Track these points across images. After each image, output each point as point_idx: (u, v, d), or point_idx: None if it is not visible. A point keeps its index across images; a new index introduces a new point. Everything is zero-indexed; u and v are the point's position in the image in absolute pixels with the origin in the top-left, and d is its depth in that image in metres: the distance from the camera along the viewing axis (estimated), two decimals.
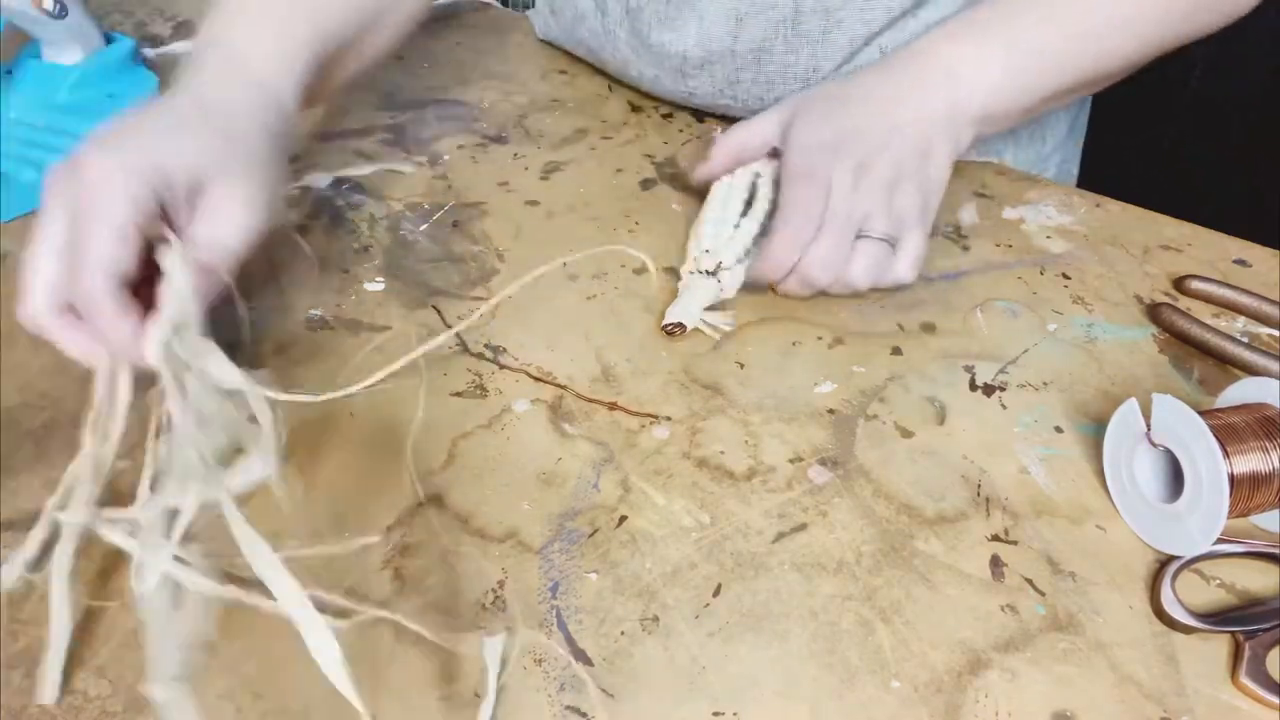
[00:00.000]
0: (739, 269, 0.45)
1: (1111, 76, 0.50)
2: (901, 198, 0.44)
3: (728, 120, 0.60)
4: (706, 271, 0.45)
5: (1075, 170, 0.66)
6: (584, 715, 0.30)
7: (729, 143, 0.50)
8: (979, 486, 0.38)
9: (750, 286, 0.46)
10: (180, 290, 0.36)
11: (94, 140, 0.37)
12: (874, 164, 0.44)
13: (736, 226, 0.46)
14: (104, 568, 0.34)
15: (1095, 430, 0.40)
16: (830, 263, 0.43)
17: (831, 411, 0.41)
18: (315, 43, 0.46)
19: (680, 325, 0.44)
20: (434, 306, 0.46)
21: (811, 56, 0.54)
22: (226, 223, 0.38)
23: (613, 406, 0.41)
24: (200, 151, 0.38)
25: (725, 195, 0.48)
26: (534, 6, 0.68)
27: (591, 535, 0.36)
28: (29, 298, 0.35)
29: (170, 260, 0.36)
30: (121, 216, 0.35)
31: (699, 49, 0.55)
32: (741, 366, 0.43)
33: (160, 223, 0.37)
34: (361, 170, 0.54)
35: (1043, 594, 0.34)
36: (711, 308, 0.45)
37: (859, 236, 0.44)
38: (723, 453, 0.39)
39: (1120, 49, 0.48)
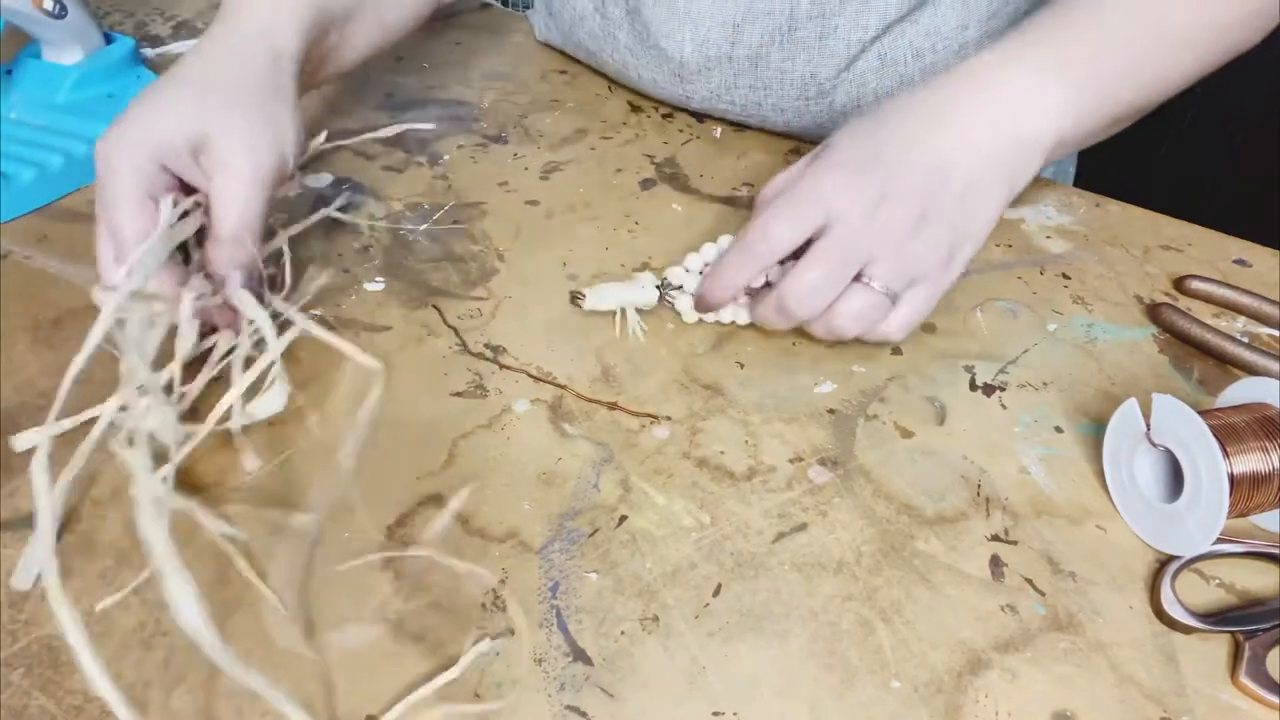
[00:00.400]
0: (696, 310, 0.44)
1: (1161, 100, 0.46)
2: (921, 244, 0.39)
3: (727, 122, 0.60)
4: (665, 282, 0.45)
5: (1073, 169, 0.66)
6: (584, 715, 0.30)
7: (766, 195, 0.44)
8: (979, 486, 0.38)
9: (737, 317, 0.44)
10: (163, 233, 0.39)
11: (110, 125, 0.40)
12: (898, 198, 0.38)
13: None
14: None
15: (1095, 430, 0.40)
16: (812, 298, 0.39)
17: (831, 411, 0.41)
18: (318, 8, 0.47)
19: (582, 296, 0.44)
20: (434, 306, 0.46)
21: (808, 63, 0.54)
22: (234, 173, 0.40)
23: (613, 406, 0.41)
24: (196, 113, 0.40)
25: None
26: (534, 7, 0.68)
27: (591, 535, 0.36)
28: (106, 279, 0.40)
29: (163, 208, 0.40)
30: (129, 189, 0.39)
31: (696, 55, 0.55)
32: (741, 366, 0.43)
33: (173, 183, 0.40)
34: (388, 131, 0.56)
35: (1043, 594, 0.34)
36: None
37: (857, 279, 0.39)
38: (723, 453, 0.39)
39: (1182, 64, 0.44)
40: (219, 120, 0.40)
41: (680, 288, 0.45)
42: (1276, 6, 0.44)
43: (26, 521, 0.35)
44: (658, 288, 0.45)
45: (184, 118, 0.40)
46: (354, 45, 0.52)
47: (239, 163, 0.40)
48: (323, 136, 0.55)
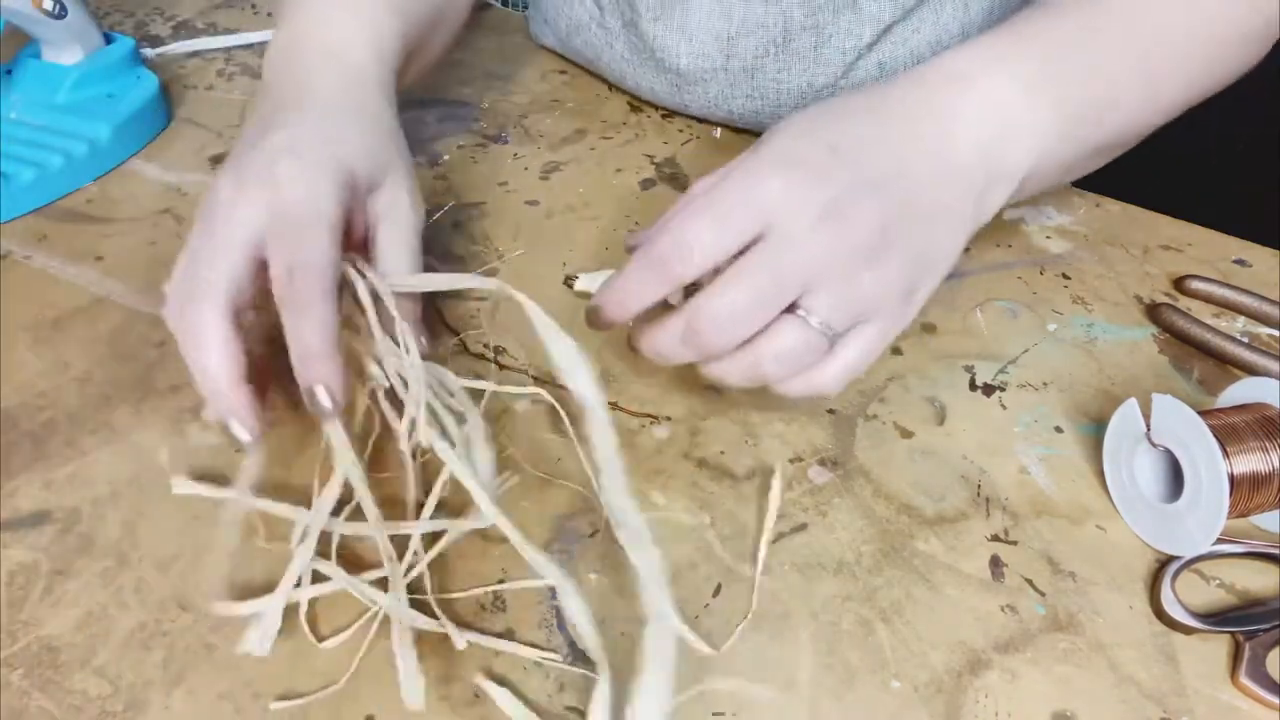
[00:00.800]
0: None
1: (1148, 129, 0.42)
2: (878, 272, 0.32)
3: (727, 125, 0.60)
4: None
5: None
6: (584, 715, 0.30)
7: None
8: (979, 486, 0.38)
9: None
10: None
11: (281, 153, 0.34)
12: (854, 211, 0.32)
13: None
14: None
15: (1095, 430, 0.40)
16: (731, 326, 0.32)
17: (831, 411, 0.41)
18: (404, 34, 0.45)
19: (575, 278, 0.45)
20: (434, 307, 0.46)
21: (804, 73, 0.54)
22: (405, 214, 0.38)
23: (613, 406, 0.41)
24: (374, 146, 0.37)
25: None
26: (530, 10, 0.68)
27: (591, 536, 0.36)
28: (206, 306, 0.32)
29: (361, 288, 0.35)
30: (337, 218, 0.34)
31: (691, 66, 0.55)
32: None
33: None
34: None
35: (1043, 594, 0.34)
36: None
37: (790, 309, 0.32)
38: (722, 453, 0.39)
39: (1172, 89, 0.40)
40: (390, 160, 0.38)
41: None
42: (1277, 24, 0.41)
43: (26, 521, 0.35)
44: None
45: (362, 152, 0.36)
46: (412, 75, 0.51)
47: (410, 206, 0.38)
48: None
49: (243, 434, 0.32)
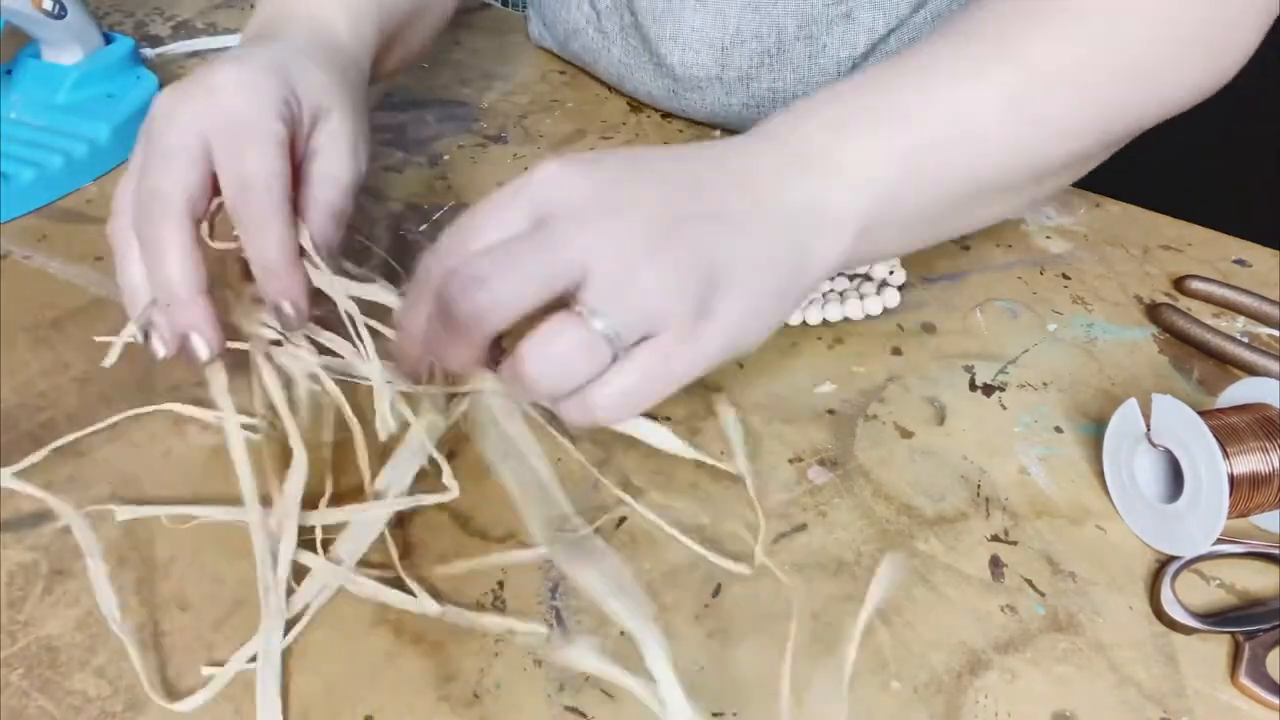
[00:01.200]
0: None
1: (1064, 161, 0.37)
2: (657, 270, 0.28)
3: (727, 130, 0.60)
4: None
5: None
6: (584, 715, 0.30)
7: None
8: (979, 487, 0.38)
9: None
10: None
11: (223, 61, 0.34)
12: (635, 197, 0.29)
13: None
14: None
15: (1095, 430, 0.40)
16: (491, 310, 0.28)
17: (831, 411, 0.41)
18: (381, 22, 0.45)
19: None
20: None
21: (799, 82, 0.54)
22: (343, 152, 0.37)
23: None
24: (326, 83, 0.37)
25: None
26: (528, 11, 0.68)
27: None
28: (162, 205, 0.32)
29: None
30: (279, 128, 0.33)
31: (687, 75, 0.55)
32: (741, 366, 0.43)
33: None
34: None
35: (1043, 594, 0.34)
36: None
37: (565, 307, 0.28)
38: (722, 453, 0.39)
39: (1073, 122, 0.36)
40: (340, 98, 0.37)
41: None
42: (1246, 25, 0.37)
43: (26, 521, 0.35)
44: None
45: (314, 81, 0.36)
46: (391, 66, 0.51)
47: (352, 144, 0.37)
48: None
49: (202, 349, 0.33)
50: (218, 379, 0.34)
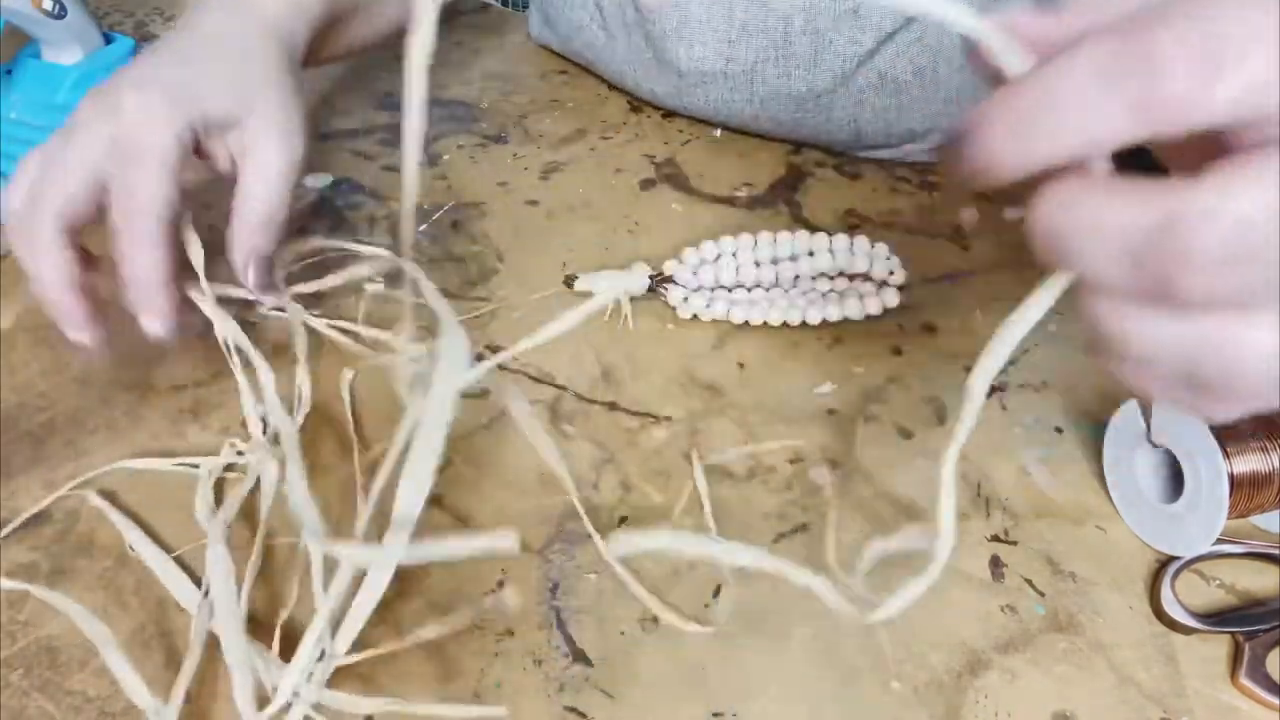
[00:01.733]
0: (696, 297, 0.45)
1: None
2: None
3: (728, 127, 0.60)
4: (660, 274, 0.45)
5: None
6: (584, 715, 0.30)
7: None
8: (979, 486, 0.38)
9: None
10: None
11: (126, 75, 0.37)
12: None
13: (734, 254, 0.46)
14: None
15: (1095, 430, 0.40)
16: (1237, 271, 0.18)
17: (831, 412, 0.41)
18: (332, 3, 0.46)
19: (575, 278, 0.45)
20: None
21: (804, 79, 0.53)
22: (269, 157, 0.38)
23: (612, 406, 0.41)
24: (233, 86, 0.38)
25: (763, 240, 0.46)
26: (529, 8, 0.68)
27: (591, 536, 0.36)
28: (40, 220, 0.35)
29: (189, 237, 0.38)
30: (172, 154, 0.35)
31: (691, 70, 0.55)
32: (741, 367, 0.43)
33: (194, 160, 0.38)
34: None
35: (1043, 594, 0.34)
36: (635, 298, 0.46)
37: None
38: (722, 453, 0.39)
39: None
40: (257, 99, 0.38)
41: (671, 278, 0.45)
42: None
43: (26, 521, 0.35)
44: (651, 277, 0.45)
45: (220, 89, 0.38)
46: (347, 43, 0.52)
47: (275, 147, 0.38)
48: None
49: (74, 334, 0.36)
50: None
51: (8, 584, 0.32)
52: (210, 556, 0.32)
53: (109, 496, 0.36)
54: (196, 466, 0.37)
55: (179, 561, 0.34)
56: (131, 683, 0.30)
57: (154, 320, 0.36)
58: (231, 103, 0.38)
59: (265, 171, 0.38)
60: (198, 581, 0.33)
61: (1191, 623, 0.33)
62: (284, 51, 0.42)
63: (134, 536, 0.34)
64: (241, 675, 0.29)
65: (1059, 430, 0.41)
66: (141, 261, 0.35)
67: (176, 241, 0.36)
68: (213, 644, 0.31)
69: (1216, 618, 0.33)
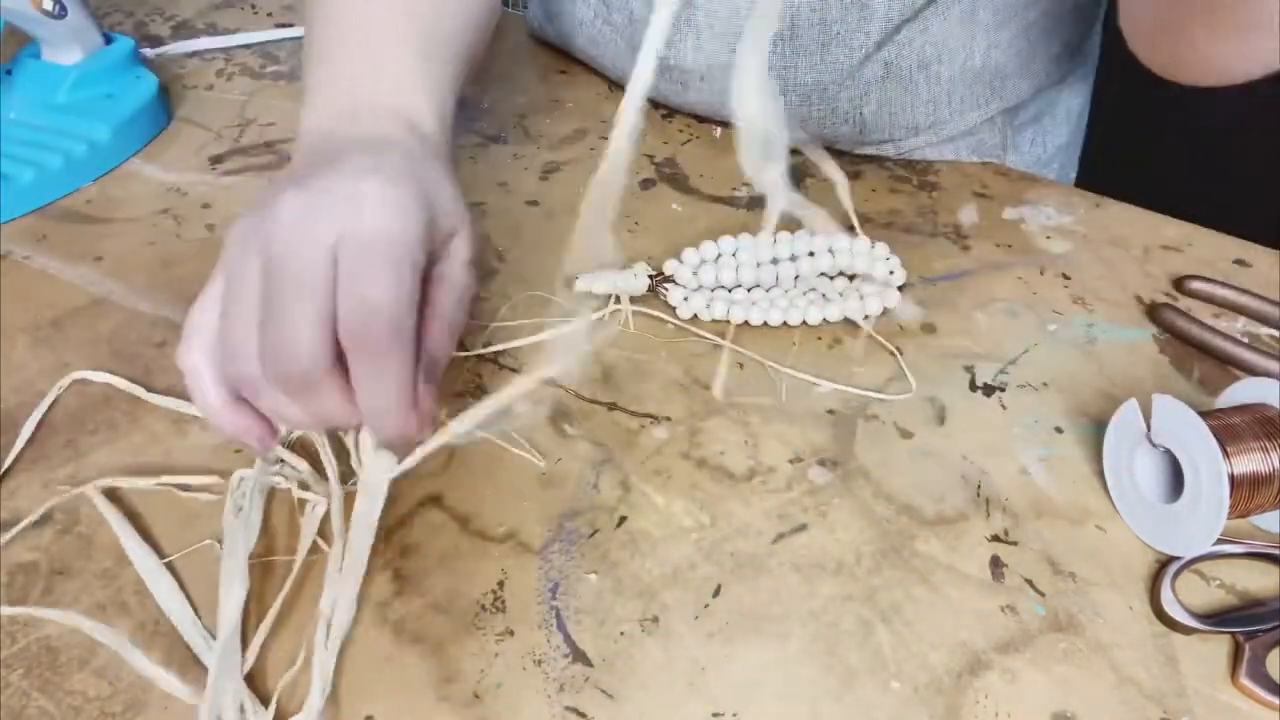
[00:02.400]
0: (696, 297, 0.45)
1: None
2: None
3: (728, 124, 0.60)
4: (660, 273, 0.45)
5: (1073, 174, 0.66)
6: (584, 715, 0.30)
7: None
8: (979, 487, 0.38)
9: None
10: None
11: (346, 169, 0.30)
12: None
13: (735, 254, 0.46)
14: None
15: (1095, 430, 0.40)
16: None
17: (831, 412, 0.41)
18: (458, 89, 0.43)
19: (575, 278, 0.45)
20: None
21: (810, 70, 0.54)
22: (468, 271, 0.34)
23: (612, 407, 0.41)
24: (455, 198, 0.34)
25: (763, 240, 0.46)
26: (529, 6, 0.68)
27: (591, 536, 0.36)
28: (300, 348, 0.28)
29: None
30: (418, 252, 0.29)
31: (697, 64, 0.55)
32: (741, 367, 0.43)
33: None
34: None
35: (1043, 594, 0.34)
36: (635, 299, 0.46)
37: None
38: (722, 453, 0.39)
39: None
40: (464, 218, 0.34)
41: (672, 278, 0.45)
42: None
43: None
44: (651, 277, 0.45)
45: (447, 203, 0.33)
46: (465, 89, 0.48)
47: (469, 270, 0.34)
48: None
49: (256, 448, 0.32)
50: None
51: (8, 610, 0.32)
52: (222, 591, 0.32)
53: (109, 494, 0.36)
54: (186, 489, 0.36)
55: (170, 569, 0.34)
56: (165, 677, 0.30)
57: (398, 441, 0.30)
58: (453, 213, 0.33)
59: (466, 287, 0.33)
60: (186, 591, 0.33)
61: (1191, 623, 0.33)
62: (451, 158, 0.39)
63: (130, 544, 0.34)
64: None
65: (1059, 430, 0.41)
66: (391, 379, 0.28)
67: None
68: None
69: (1216, 618, 0.33)
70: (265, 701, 0.30)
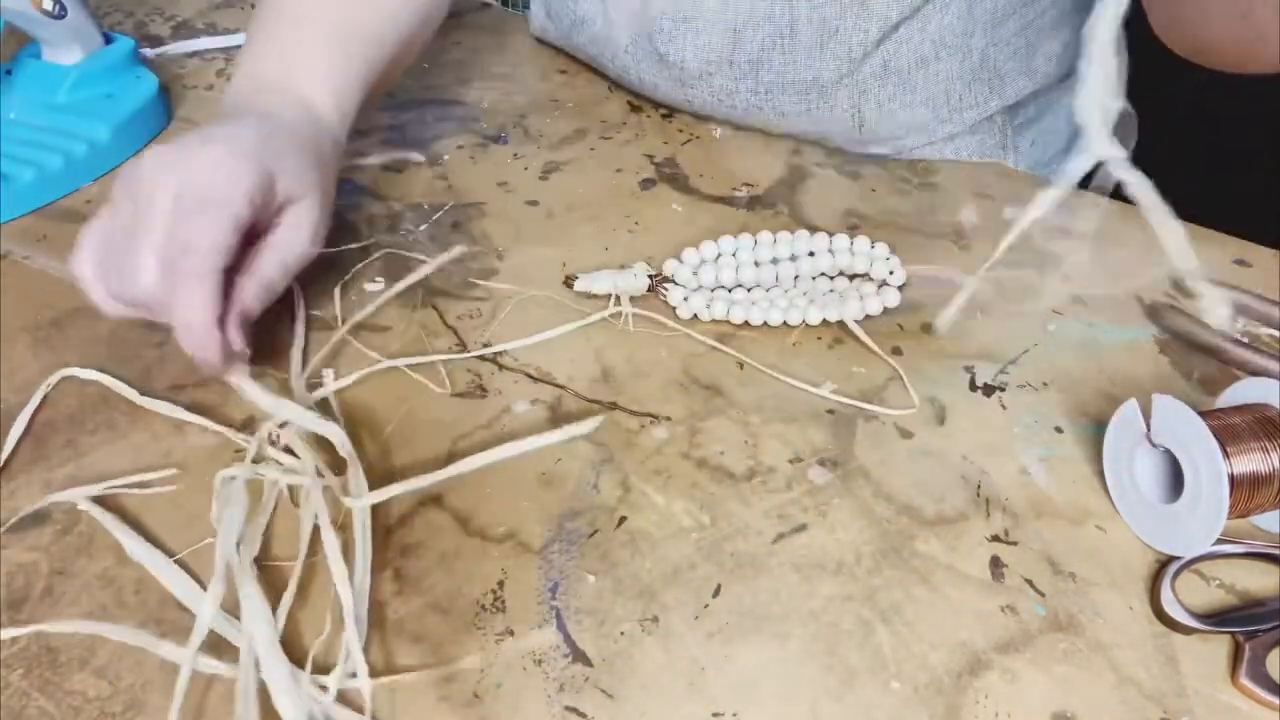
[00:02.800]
0: (696, 297, 0.45)
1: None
2: None
3: (729, 123, 0.60)
4: (660, 274, 0.46)
5: None
6: (584, 715, 0.30)
7: None
8: (979, 487, 0.38)
9: None
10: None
11: (205, 135, 0.38)
12: None
13: (734, 254, 0.46)
14: None
15: (1095, 430, 0.40)
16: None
17: (831, 412, 0.41)
18: (364, 92, 0.48)
19: (575, 278, 0.46)
20: (434, 306, 0.46)
21: (810, 67, 0.54)
22: (303, 239, 0.40)
23: (612, 406, 0.41)
24: (302, 170, 0.40)
25: (764, 239, 0.46)
26: (531, 5, 0.68)
27: (591, 536, 0.36)
28: (141, 269, 0.35)
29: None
30: (240, 208, 0.36)
31: (697, 60, 0.55)
32: (741, 367, 0.43)
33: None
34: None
35: (1043, 594, 0.34)
36: (634, 298, 0.46)
37: None
38: (722, 453, 0.39)
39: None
40: (311, 188, 0.40)
41: (672, 278, 0.45)
42: None
43: (26, 521, 0.35)
44: (650, 277, 0.45)
45: (289, 168, 0.39)
46: (382, 86, 0.53)
47: (308, 236, 0.40)
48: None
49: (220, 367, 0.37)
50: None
51: (9, 632, 0.32)
52: (244, 595, 0.32)
53: (108, 498, 0.36)
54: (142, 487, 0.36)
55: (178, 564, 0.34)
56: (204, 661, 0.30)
57: (204, 363, 0.37)
58: (294, 182, 0.39)
59: (293, 253, 0.40)
60: (197, 580, 0.33)
61: (1191, 623, 0.33)
62: (335, 150, 0.45)
63: (130, 542, 0.34)
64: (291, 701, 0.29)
65: (1059, 430, 0.41)
66: (195, 302, 0.35)
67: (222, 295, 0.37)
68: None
69: (1216, 618, 0.33)
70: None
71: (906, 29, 0.52)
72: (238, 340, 0.38)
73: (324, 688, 0.30)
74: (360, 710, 0.30)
